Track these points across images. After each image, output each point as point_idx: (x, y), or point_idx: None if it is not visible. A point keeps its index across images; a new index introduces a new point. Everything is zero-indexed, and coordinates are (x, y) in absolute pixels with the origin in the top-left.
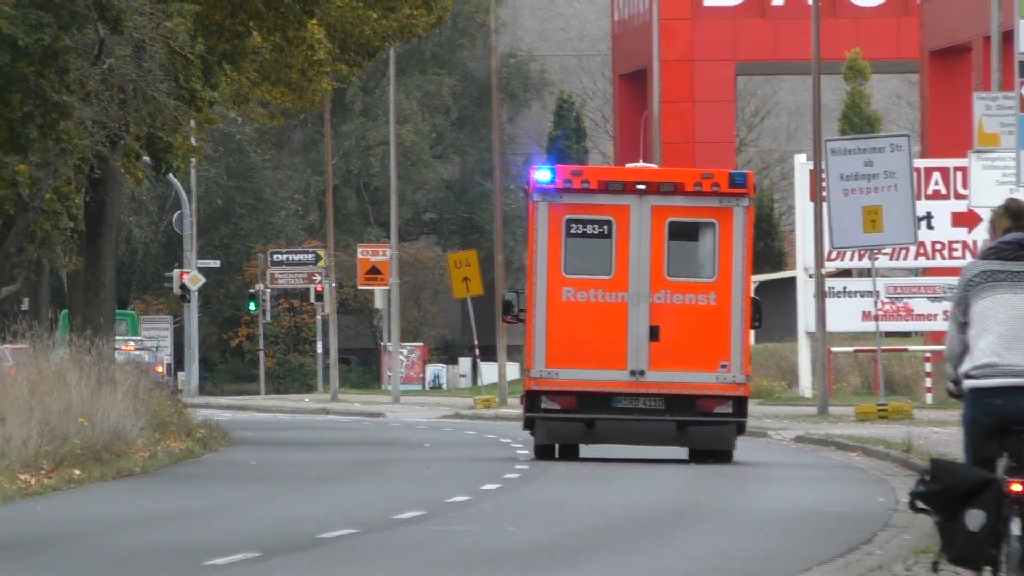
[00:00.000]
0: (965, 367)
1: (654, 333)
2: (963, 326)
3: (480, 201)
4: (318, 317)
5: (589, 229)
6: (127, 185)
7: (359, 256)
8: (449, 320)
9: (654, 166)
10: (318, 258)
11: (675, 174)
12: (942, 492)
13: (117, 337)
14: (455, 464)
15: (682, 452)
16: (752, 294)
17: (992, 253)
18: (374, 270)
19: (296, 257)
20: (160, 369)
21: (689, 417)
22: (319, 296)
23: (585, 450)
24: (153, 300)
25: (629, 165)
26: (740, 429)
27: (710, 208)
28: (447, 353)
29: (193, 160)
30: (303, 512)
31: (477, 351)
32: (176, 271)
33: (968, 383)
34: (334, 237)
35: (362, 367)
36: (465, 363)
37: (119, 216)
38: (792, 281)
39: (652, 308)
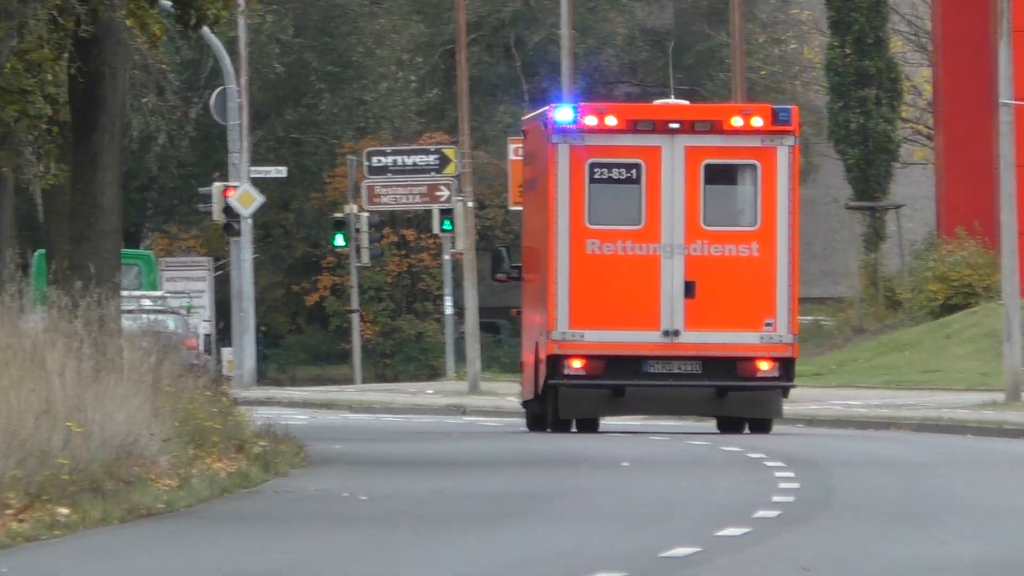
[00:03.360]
0: None
1: (690, 289)
2: None
3: (707, 61)
4: (445, 257)
5: (615, 173)
6: (136, 47)
7: (510, 156)
8: None
9: (686, 103)
10: (444, 160)
11: (711, 110)
12: None
13: (125, 293)
14: (674, 492)
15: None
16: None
17: None
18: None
19: (409, 160)
20: (194, 344)
21: (730, 382)
22: (447, 224)
23: (604, 423)
24: (181, 233)
25: (658, 102)
26: (785, 394)
27: (751, 148)
28: None
29: (241, 3)
30: None
31: None
32: (216, 186)
33: None
34: (469, 126)
35: (518, 338)
36: None
37: (124, 98)
38: None
39: (687, 260)
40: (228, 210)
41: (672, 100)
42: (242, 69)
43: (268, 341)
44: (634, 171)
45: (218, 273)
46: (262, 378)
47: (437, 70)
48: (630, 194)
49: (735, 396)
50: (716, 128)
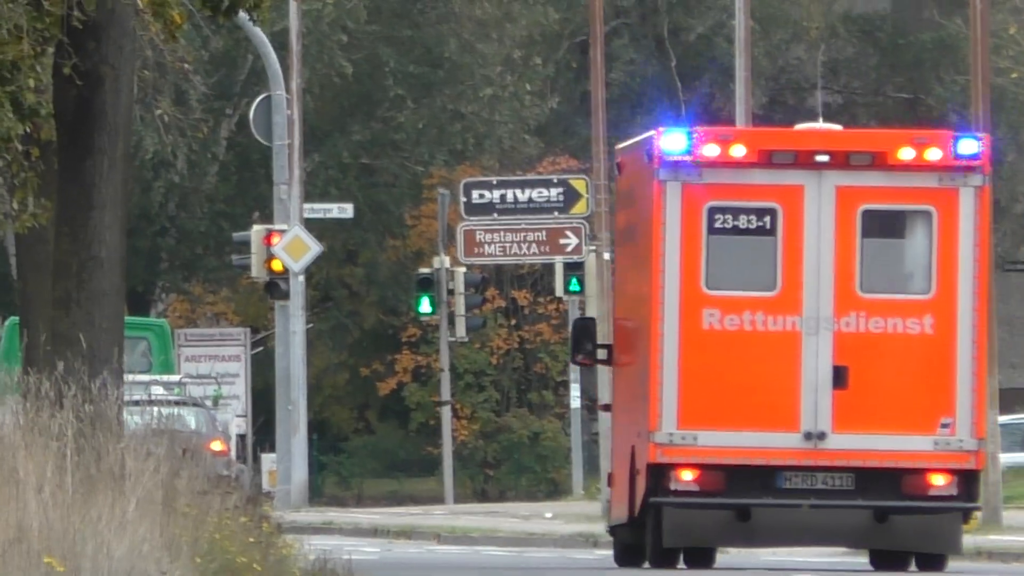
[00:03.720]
0: None
1: (840, 377)
2: None
3: (936, 59)
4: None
5: (743, 222)
6: (148, 40)
7: None
8: None
9: (838, 127)
10: (572, 195)
11: (872, 138)
12: None
13: (129, 377)
14: None
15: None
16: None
17: None
18: None
19: (523, 195)
20: (223, 448)
21: (893, 502)
22: (574, 283)
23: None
24: (207, 294)
25: (802, 126)
26: (966, 519)
27: (925, 189)
28: None
29: None
30: None
31: None
32: (256, 230)
33: None
34: (606, 148)
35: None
36: None
37: (131, 109)
38: None
39: (837, 339)
40: (272, 263)
41: (820, 124)
42: (294, 69)
43: (325, 445)
44: (768, 218)
45: (257, 350)
46: (317, 496)
47: (562, 71)
48: (762, 249)
49: (899, 521)
50: (879, 162)
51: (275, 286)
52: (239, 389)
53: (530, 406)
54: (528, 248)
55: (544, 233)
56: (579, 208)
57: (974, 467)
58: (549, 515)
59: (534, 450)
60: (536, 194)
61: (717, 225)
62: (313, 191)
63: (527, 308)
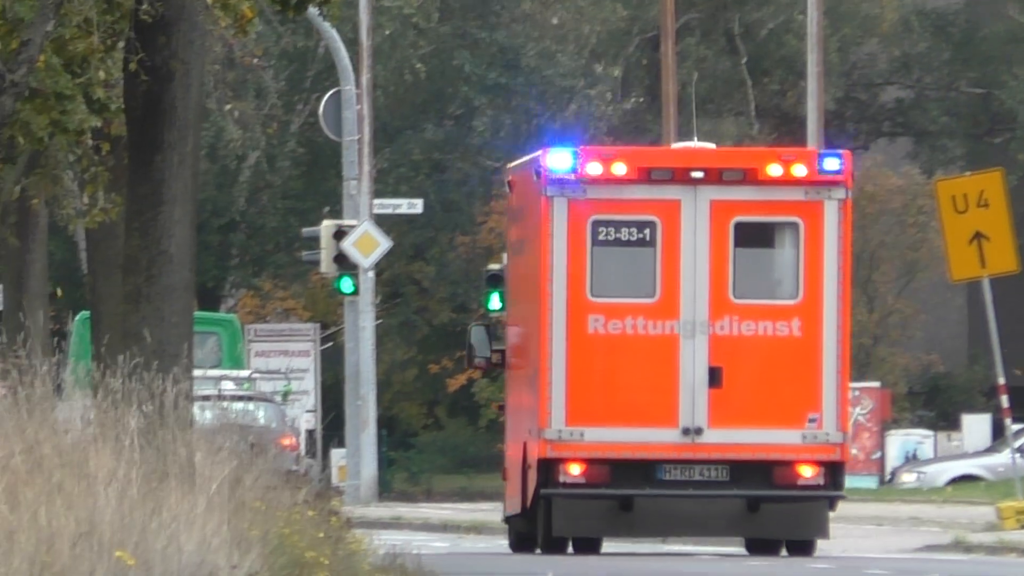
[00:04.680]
0: None
1: (715, 376)
2: None
3: (1011, 52)
4: None
5: (624, 234)
6: (218, 35)
7: None
8: (941, 331)
9: (711, 146)
10: None
11: (743, 156)
12: None
13: (198, 372)
14: None
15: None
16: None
17: None
18: None
19: None
20: (292, 443)
21: (764, 491)
22: None
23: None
24: (277, 290)
25: (678, 145)
26: (832, 506)
27: (792, 202)
28: (933, 402)
29: None
30: None
31: (1006, 400)
32: (326, 225)
33: None
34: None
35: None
36: (977, 424)
37: (201, 105)
38: None
39: (712, 341)
40: (342, 259)
41: (695, 143)
42: (364, 65)
43: (395, 440)
44: (648, 231)
45: (327, 346)
46: (386, 491)
47: (632, 69)
48: (642, 259)
49: (770, 510)
50: (749, 178)
51: (343, 280)
52: (308, 384)
53: None
54: None
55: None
56: None
57: (839, 459)
58: None
59: None
60: None
61: (601, 237)
62: (384, 188)
63: None
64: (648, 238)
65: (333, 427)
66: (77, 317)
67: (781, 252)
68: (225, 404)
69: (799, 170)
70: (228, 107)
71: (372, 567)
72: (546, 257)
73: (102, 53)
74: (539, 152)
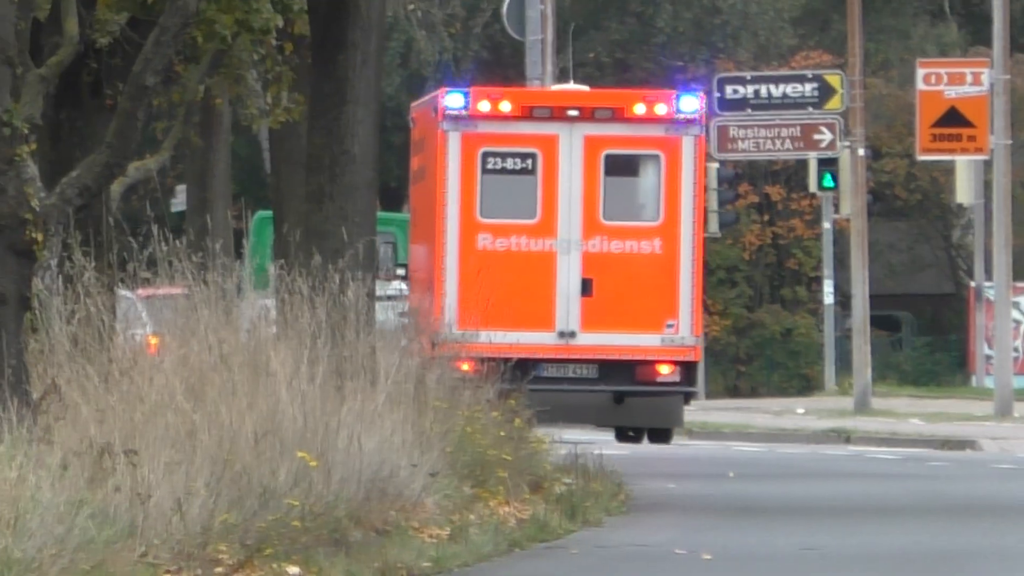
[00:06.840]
0: None
1: (587, 287)
2: None
3: None
4: (826, 225)
5: (510, 164)
6: None
7: (919, 86)
8: None
9: (586, 88)
10: (827, 91)
11: (612, 97)
12: None
13: (383, 277)
14: None
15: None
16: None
17: None
18: (956, 117)
19: (776, 90)
20: None
21: (628, 387)
22: (827, 179)
23: None
24: None
25: (557, 87)
26: (687, 400)
27: (654, 138)
28: None
29: None
30: None
31: None
32: None
33: None
34: (862, 42)
35: (929, 337)
36: None
37: (384, 4)
38: None
39: (585, 257)
40: None
41: (571, 85)
42: None
43: None
44: (529, 161)
45: None
46: None
47: None
48: (525, 186)
49: (633, 403)
50: (618, 116)
51: None
52: None
53: (782, 302)
54: (782, 144)
55: (798, 129)
56: (833, 104)
57: (693, 359)
58: (801, 411)
59: (786, 346)
60: (790, 89)
61: (489, 167)
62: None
63: (780, 204)
64: (530, 167)
65: None
66: (256, 215)
67: (645, 180)
68: (404, 303)
69: (660, 109)
70: (411, 7)
71: (553, 466)
72: (442, 183)
73: None
74: (437, 92)
